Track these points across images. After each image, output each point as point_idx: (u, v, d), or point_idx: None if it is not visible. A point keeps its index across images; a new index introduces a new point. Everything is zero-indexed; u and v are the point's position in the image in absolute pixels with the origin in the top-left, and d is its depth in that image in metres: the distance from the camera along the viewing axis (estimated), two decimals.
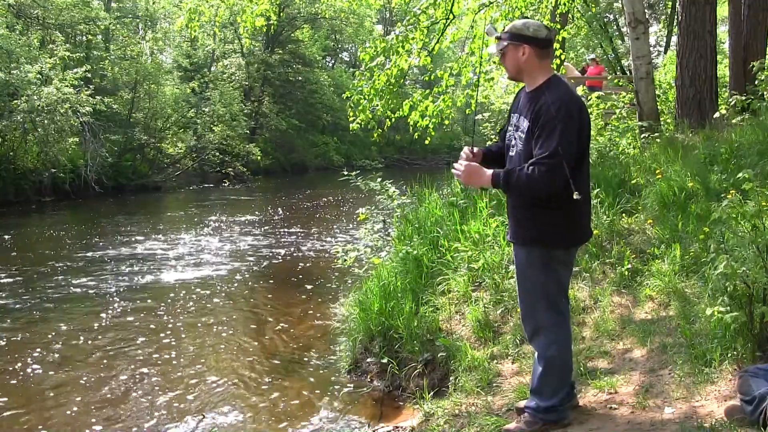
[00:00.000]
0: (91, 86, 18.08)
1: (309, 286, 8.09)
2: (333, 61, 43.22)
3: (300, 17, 33.38)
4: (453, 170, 3.00)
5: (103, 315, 6.77)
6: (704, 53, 7.54)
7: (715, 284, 3.44)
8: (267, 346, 5.91)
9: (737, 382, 2.80)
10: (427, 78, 8.77)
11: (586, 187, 2.93)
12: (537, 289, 2.94)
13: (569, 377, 3.04)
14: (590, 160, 3.18)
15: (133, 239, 11.63)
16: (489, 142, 3.44)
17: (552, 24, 9.91)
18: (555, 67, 8.90)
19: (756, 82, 6.82)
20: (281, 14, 29.88)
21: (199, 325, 6.46)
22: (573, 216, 2.87)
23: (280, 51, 33.00)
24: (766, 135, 5.47)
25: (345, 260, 6.73)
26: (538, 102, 2.81)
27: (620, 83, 11.48)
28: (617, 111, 8.20)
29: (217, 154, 25.25)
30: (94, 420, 4.32)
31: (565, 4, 9.89)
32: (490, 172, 2.84)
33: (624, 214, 5.11)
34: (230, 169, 24.63)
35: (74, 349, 5.72)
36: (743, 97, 6.42)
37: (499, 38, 2.93)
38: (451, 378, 3.99)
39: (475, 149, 3.06)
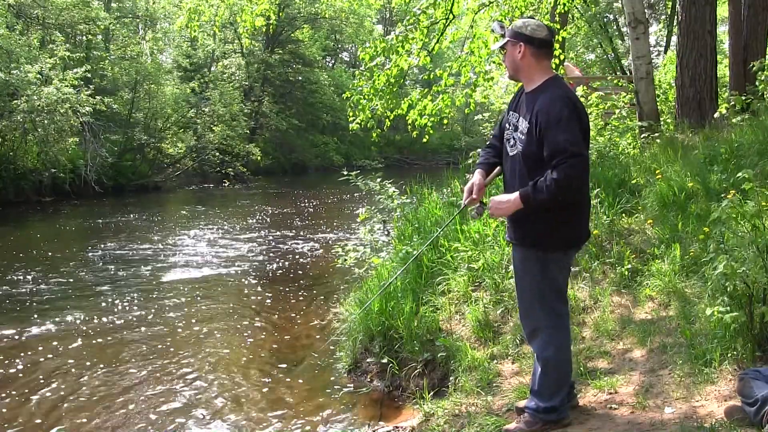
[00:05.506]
0: (91, 86, 18.07)
1: (309, 286, 8.08)
2: (333, 61, 43.22)
3: (300, 17, 33.38)
4: (473, 215, 3.13)
5: (102, 315, 6.76)
6: (704, 53, 7.53)
7: (715, 284, 3.43)
8: (267, 346, 5.91)
9: (737, 385, 2.81)
10: (426, 77, 8.76)
11: (585, 188, 2.93)
12: (534, 290, 2.93)
13: (568, 378, 3.03)
14: (590, 161, 3.18)
15: (132, 239, 11.63)
16: (480, 150, 3.48)
17: (552, 24, 9.91)
18: (554, 66, 8.92)
19: (756, 82, 6.82)
20: (281, 14, 29.89)
21: (199, 325, 6.45)
22: (573, 218, 2.86)
23: (280, 51, 33.00)
24: (766, 135, 5.47)
25: (345, 260, 6.73)
26: (536, 103, 2.79)
27: (620, 83, 11.47)
28: (617, 111, 8.20)
29: (217, 154, 25.26)
30: (90, 420, 4.32)
31: (565, 4, 9.87)
32: (515, 195, 2.78)
33: (624, 214, 5.11)
34: (230, 169, 24.63)
35: (73, 349, 5.71)
36: (743, 97, 6.42)
37: (502, 35, 2.94)
38: (451, 378, 3.99)
39: (476, 179, 3.05)
